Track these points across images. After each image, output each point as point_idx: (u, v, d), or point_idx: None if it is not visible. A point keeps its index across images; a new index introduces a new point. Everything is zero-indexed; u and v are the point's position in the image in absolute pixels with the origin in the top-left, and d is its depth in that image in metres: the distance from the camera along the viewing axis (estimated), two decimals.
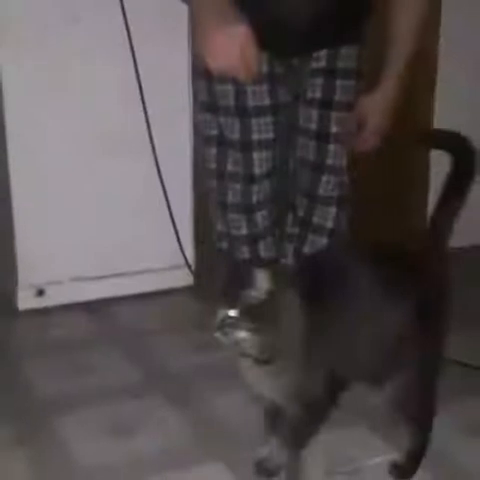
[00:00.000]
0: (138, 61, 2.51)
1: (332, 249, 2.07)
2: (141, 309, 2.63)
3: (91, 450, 1.79)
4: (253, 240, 2.08)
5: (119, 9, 2.44)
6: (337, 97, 2.02)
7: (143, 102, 2.55)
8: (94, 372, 2.18)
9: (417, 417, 1.65)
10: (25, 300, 2.56)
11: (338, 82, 2.01)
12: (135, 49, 2.49)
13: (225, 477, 1.68)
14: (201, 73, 2.00)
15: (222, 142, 2.02)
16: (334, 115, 2.03)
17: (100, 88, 2.51)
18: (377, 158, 2.22)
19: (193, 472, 1.70)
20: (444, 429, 1.74)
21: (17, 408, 1.99)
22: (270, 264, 2.05)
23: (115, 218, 2.63)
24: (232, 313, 1.40)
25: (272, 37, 1.83)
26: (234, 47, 1.68)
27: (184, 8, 2.17)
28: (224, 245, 2.12)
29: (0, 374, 2.16)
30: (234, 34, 1.68)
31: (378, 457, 1.70)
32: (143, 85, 2.53)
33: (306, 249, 2.12)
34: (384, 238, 1.87)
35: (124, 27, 2.46)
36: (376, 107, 2.05)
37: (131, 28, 2.47)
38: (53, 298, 2.58)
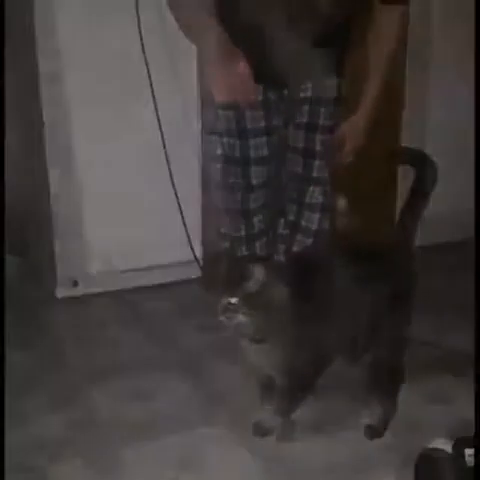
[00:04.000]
0: (156, 95, 2.49)
1: (317, 247, 2.06)
2: (159, 297, 2.62)
3: (115, 413, 1.80)
4: (251, 240, 2.07)
5: (140, 52, 2.42)
6: (321, 122, 2.01)
7: (160, 129, 2.54)
8: (120, 348, 2.18)
9: (386, 387, 1.64)
10: (63, 290, 2.56)
11: (322, 109, 2.00)
12: (154, 86, 2.48)
13: (227, 436, 1.68)
14: (208, 102, 1.99)
15: (225, 159, 2.01)
16: (318, 137, 2.02)
17: (130, 121, 2.50)
18: (354, 171, 2.21)
19: (200, 431, 1.71)
20: (410, 397, 1.74)
21: (55, 378, 1.99)
22: (265, 260, 2.04)
23: (139, 224, 2.62)
24: (233, 300, 1.39)
25: (267, 72, 1.82)
26: (236, 81, 1.69)
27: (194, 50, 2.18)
28: (226, 244, 2.11)
29: (41, 351, 2.16)
30: (235, 70, 1.69)
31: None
32: (160, 114, 2.52)
33: (295, 248, 2.11)
34: (360, 237, 1.86)
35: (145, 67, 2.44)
36: (353, 130, 2.04)
37: (150, 69, 2.45)
38: (85, 288, 2.59)
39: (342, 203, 1.44)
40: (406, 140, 3.01)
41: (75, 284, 2.56)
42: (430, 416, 1.74)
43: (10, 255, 2.74)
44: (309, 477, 1.54)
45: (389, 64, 1.97)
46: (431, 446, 1.47)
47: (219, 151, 2.03)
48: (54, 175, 2.47)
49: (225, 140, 2.00)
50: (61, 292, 2.56)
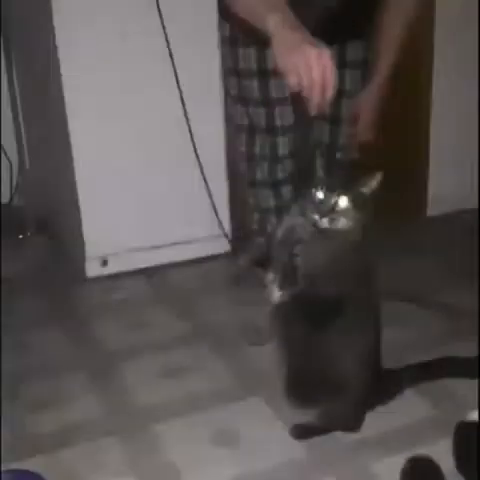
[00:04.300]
0: (177, 65, 2.43)
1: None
2: (188, 273, 2.61)
3: (148, 391, 1.83)
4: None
5: (159, 23, 2.37)
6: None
7: (182, 100, 2.51)
8: (150, 326, 2.20)
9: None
10: (92, 269, 2.57)
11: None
12: (174, 55, 2.42)
13: (263, 410, 1.71)
14: (230, 70, 2.00)
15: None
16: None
17: (146, 88, 2.46)
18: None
19: (235, 407, 1.73)
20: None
21: (86, 358, 2.04)
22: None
23: (167, 201, 2.61)
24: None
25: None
26: (319, 66, 1.41)
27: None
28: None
29: (72, 331, 2.20)
30: (321, 54, 1.41)
31: None
32: (180, 83, 2.47)
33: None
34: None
35: (164, 39, 2.38)
36: (366, 105, 2.07)
37: (170, 38, 2.40)
38: (115, 267, 2.59)
39: (343, 202, 1.47)
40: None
41: (104, 263, 2.55)
42: (467, 388, 1.69)
43: (38, 234, 2.80)
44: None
45: (398, 51, 1.98)
46: (468, 419, 1.47)
47: (245, 122, 2.07)
48: (77, 150, 2.44)
49: (251, 110, 2.04)
50: (91, 271, 2.55)
